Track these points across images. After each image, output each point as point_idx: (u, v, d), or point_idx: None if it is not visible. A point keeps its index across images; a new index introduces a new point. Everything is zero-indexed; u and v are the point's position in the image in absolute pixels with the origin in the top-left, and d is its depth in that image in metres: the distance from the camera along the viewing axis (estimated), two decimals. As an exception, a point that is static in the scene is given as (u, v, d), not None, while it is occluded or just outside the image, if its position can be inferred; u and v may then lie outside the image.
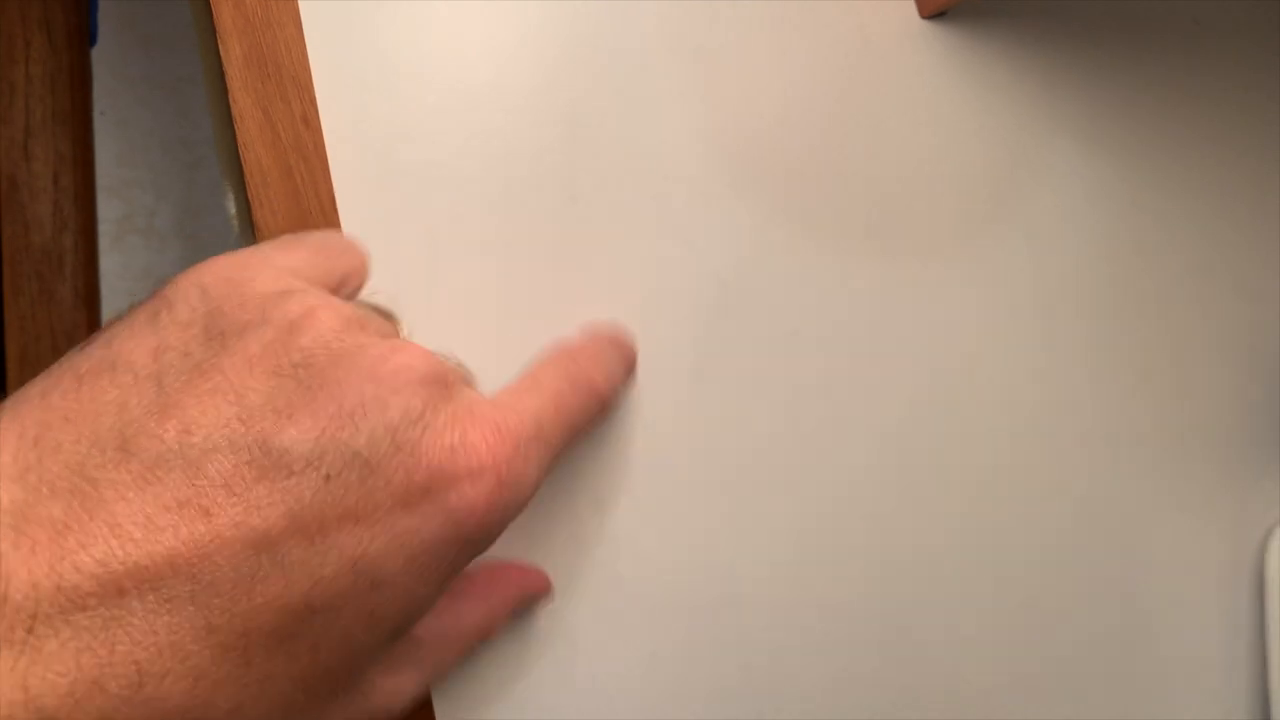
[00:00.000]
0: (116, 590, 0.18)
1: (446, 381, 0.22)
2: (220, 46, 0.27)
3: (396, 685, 0.23)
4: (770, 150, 0.35)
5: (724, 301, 0.34)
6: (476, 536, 0.22)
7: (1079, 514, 0.39)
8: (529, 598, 0.29)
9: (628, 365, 0.30)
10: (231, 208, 0.42)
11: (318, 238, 0.25)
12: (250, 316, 0.21)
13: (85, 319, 0.43)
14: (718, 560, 0.34)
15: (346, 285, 0.25)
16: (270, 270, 0.22)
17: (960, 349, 0.37)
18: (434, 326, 0.29)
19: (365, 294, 0.27)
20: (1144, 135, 0.41)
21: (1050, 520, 0.38)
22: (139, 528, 0.18)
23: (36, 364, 0.42)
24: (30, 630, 0.17)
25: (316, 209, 0.28)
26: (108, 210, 0.45)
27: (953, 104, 0.37)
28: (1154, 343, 0.41)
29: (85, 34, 0.45)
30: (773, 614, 0.34)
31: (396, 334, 0.24)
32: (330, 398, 0.20)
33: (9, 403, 0.20)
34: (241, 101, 0.27)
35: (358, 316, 0.22)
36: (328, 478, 0.20)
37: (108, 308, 0.43)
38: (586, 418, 0.26)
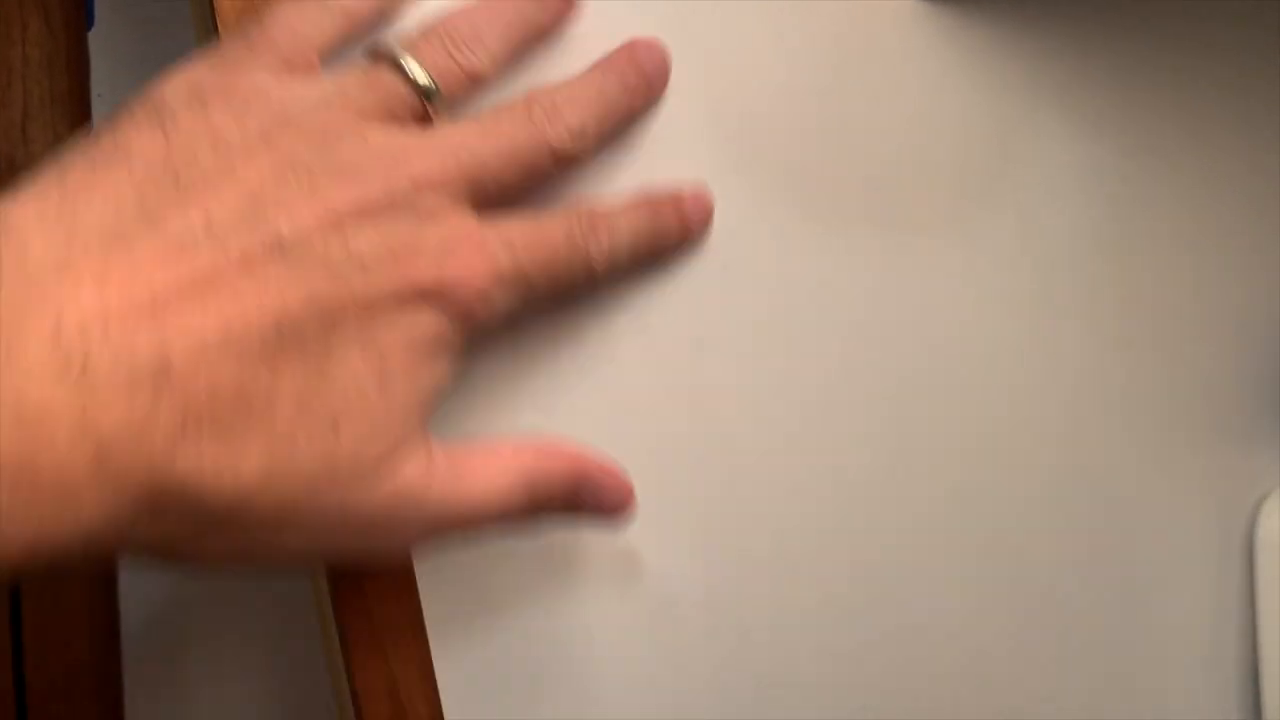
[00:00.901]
0: (160, 346, 0.19)
1: (437, 188, 0.24)
2: (219, 27, 0.27)
3: (410, 482, 0.24)
4: (764, 129, 0.35)
5: (721, 278, 0.34)
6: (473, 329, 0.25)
7: (1069, 485, 0.39)
8: (581, 489, 0.28)
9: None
10: None
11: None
12: (251, 135, 0.22)
13: (86, 301, 0.43)
14: (713, 532, 0.34)
15: (352, 30, 0.26)
16: (259, 70, 0.24)
17: (953, 323, 0.38)
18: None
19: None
20: (1136, 113, 0.41)
21: (1040, 491, 0.39)
22: (173, 293, 0.20)
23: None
24: (84, 368, 0.18)
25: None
26: (107, 193, 0.45)
27: (946, 83, 0.38)
28: (1144, 316, 0.41)
29: (82, 17, 0.45)
30: (763, 582, 0.35)
31: (412, 112, 0.25)
32: (335, 197, 0.22)
33: (23, 185, 0.21)
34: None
35: (356, 99, 0.24)
36: (336, 274, 0.21)
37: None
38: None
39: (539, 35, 0.29)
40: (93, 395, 0.18)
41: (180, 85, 0.23)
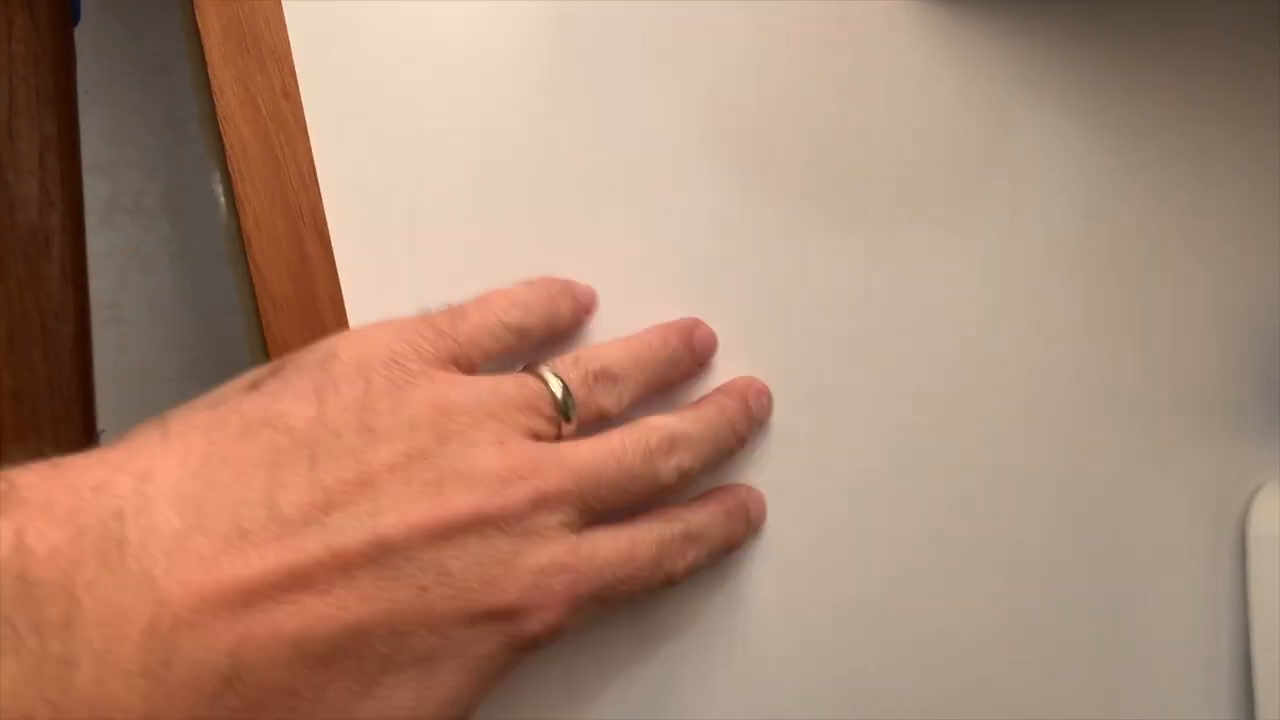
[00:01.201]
0: (239, 648, 0.20)
1: (551, 507, 0.24)
2: (198, 20, 0.27)
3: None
4: (753, 122, 0.35)
5: (709, 273, 0.34)
6: (527, 652, 0.25)
7: (1060, 479, 0.39)
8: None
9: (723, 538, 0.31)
10: (218, 186, 0.41)
11: (500, 301, 0.28)
12: (400, 421, 0.23)
13: (73, 298, 0.43)
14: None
15: (528, 338, 0.28)
16: (431, 358, 0.25)
17: (945, 321, 0.38)
18: (417, 299, 0.29)
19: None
20: (1127, 103, 0.41)
21: (1031, 486, 0.39)
22: (267, 585, 0.21)
23: (24, 345, 0.42)
24: (165, 664, 0.20)
25: (298, 182, 0.28)
26: (95, 189, 0.45)
27: (936, 74, 0.37)
28: (1137, 308, 0.41)
29: (68, 13, 0.44)
30: (755, 582, 0.35)
31: (549, 426, 0.26)
32: (455, 502, 0.23)
33: (178, 422, 0.22)
34: (221, 75, 0.27)
35: (505, 406, 0.25)
36: (423, 589, 0.22)
37: (96, 286, 0.44)
38: (641, 584, 0.28)
39: (672, 380, 0.31)
40: (164, 693, 0.20)
41: (355, 350, 0.24)
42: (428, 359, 0.25)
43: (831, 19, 0.35)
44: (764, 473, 0.35)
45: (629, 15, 0.32)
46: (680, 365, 0.30)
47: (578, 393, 0.27)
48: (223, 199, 0.46)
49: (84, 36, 0.45)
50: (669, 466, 0.28)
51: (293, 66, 0.28)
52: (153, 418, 0.22)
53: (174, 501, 0.21)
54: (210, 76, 0.27)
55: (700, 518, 0.30)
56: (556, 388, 0.26)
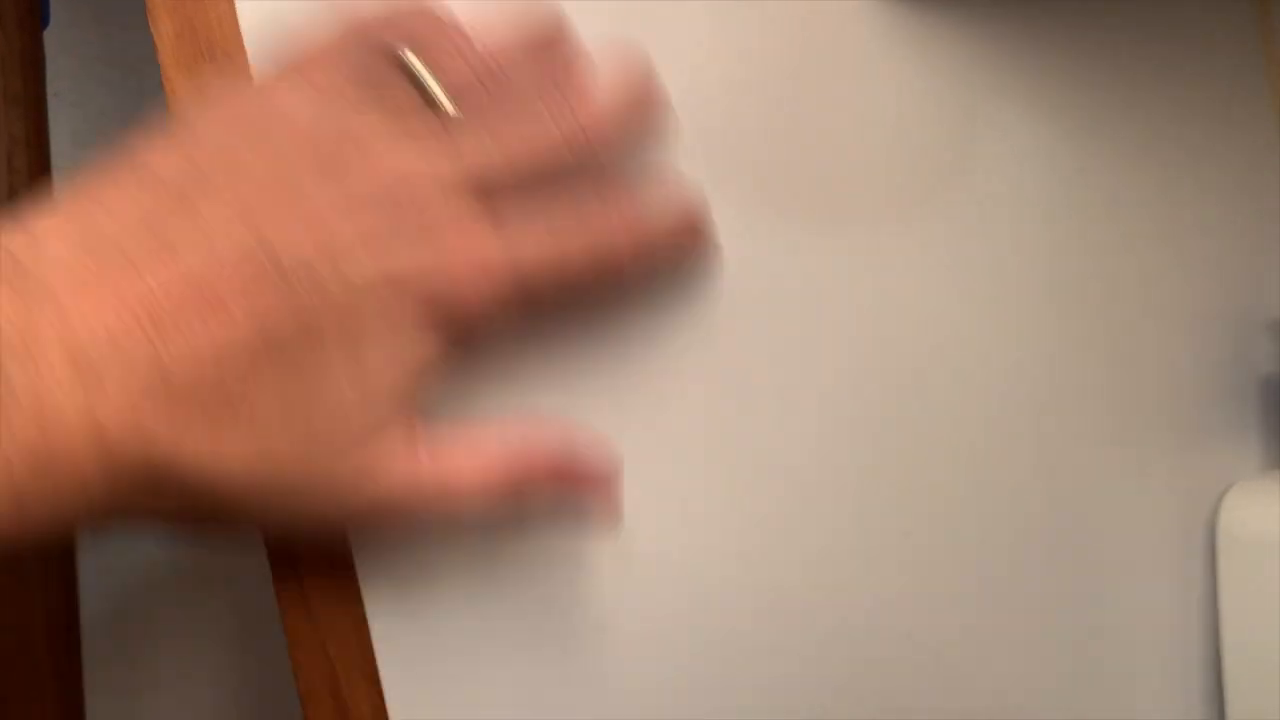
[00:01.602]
0: (158, 359, 0.22)
1: (452, 195, 0.25)
2: (151, 23, 0.27)
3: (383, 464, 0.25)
4: (717, 123, 0.35)
5: (679, 281, 0.34)
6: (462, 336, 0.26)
7: (1031, 479, 0.39)
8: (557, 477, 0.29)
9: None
10: None
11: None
12: (264, 144, 0.24)
13: (43, 301, 0.43)
14: (686, 526, 0.34)
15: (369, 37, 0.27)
16: (285, 90, 0.25)
17: (914, 322, 0.38)
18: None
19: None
20: (1091, 102, 0.41)
21: (1002, 485, 0.39)
22: (172, 307, 0.22)
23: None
24: (94, 376, 0.21)
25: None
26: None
27: (903, 75, 0.37)
28: (1106, 308, 0.41)
29: (37, 15, 0.44)
30: (731, 580, 0.35)
31: (413, 114, 0.26)
32: (331, 213, 0.24)
33: (63, 192, 0.23)
34: (174, 78, 0.27)
35: (369, 109, 0.25)
36: (320, 279, 0.23)
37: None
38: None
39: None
40: (100, 399, 0.21)
41: (211, 106, 0.25)
42: (280, 90, 0.26)
43: (797, 17, 0.35)
44: (724, 474, 0.35)
45: (593, 14, 0.32)
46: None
47: (456, 87, 0.26)
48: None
49: (54, 38, 0.45)
50: (570, 125, 0.27)
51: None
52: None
53: (64, 246, 0.22)
54: (164, 79, 0.27)
55: (631, 207, 0.29)
56: (433, 86, 0.26)
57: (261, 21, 0.29)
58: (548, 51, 0.29)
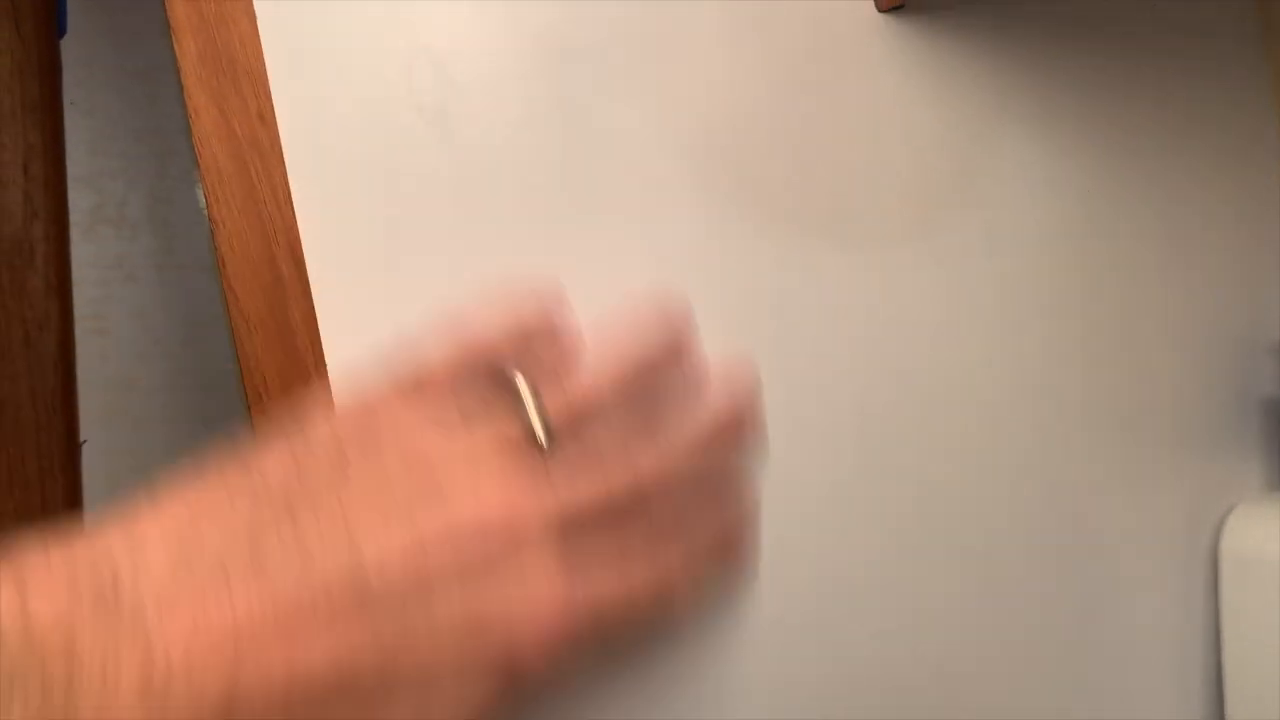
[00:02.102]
0: (230, 687, 0.22)
1: (534, 542, 0.25)
2: (174, 43, 0.27)
3: None
4: (731, 142, 0.35)
5: (688, 285, 0.34)
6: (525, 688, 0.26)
7: (1039, 495, 0.40)
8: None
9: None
10: (202, 199, 0.42)
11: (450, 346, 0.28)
12: (376, 468, 0.24)
13: (58, 309, 0.43)
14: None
15: (480, 361, 0.28)
16: (399, 403, 0.26)
17: (920, 338, 0.38)
18: (391, 322, 0.29)
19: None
20: (1096, 124, 0.41)
21: (1010, 497, 0.39)
22: (254, 629, 0.22)
23: (7, 354, 0.42)
24: (164, 695, 0.21)
25: (272, 204, 0.28)
26: (79, 200, 0.45)
27: (910, 94, 0.38)
28: (1109, 327, 0.41)
29: (54, 24, 0.45)
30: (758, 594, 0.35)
31: (529, 460, 0.26)
32: (429, 534, 0.24)
33: (166, 491, 0.24)
34: (196, 98, 0.28)
35: (477, 435, 0.26)
36: (408, 626, 0.23)
37: (79, 297, 0.44)
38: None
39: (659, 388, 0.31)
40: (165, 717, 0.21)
41: (327, 418, 0.26)
42: (394, 402, 0.26)
43: (811, 37, 0.36)
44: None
45: (610, 33, 0.32)
46: (668, 371, 0.31)
47: (558, 422, 0.27)
48: (207, 213, 0.47)
49: (69, 47, 0.45)
50: (657, 495, 0.28)
51: (269, 90, 0.28)
52: (144, 489, 0.24)
53: (163, 558, 0.22)
54: (186, 99, 0.27)
55: (695, 547, 0.30)
56: (537, 424, 0.26)
57: (284, 40, 0.29)
58: (660, 372, 0.30)
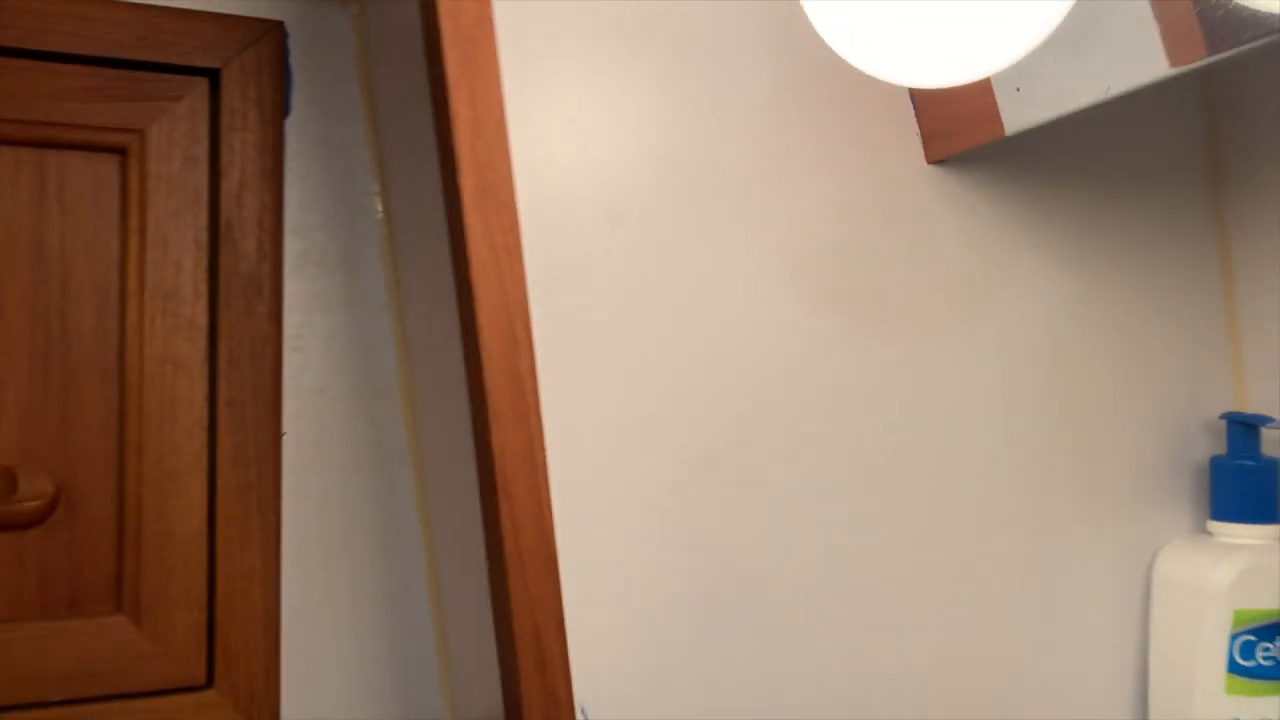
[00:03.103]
0: None
1: None
2: (458, 177, 0.40)
3: None
4: (811, 256, 0.48)
5: (771, 363, 0.48)
6: None
7: (1012, 532, 0.53)
8: None
9: None
10: (381, 245, 0.56)
11: None
12: None
13: (275, 331, 0.56)
14: (736, 550, 0.48)
15: None
16: None
17: (940, 404, 0.51)
18: (591, 359, 0.43)
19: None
20: (1089, 254, 0.54)
21: (1001, 531, 0.52)
22: None
23: (239, 365, 0.55)
24: None
25: (513, 286, 0.41)
26: (291, 246, 0.58)
27: (946, 227, 0.51)
28: (1083, 405, 0.55)
29: (282, 108, 0.57)
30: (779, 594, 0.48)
31: None
32: None
33: None
34: (471, 214, 0.41)
35: None
36: None
37: (287, 322, 0.57)
38: None
39: None
40: None
41: None
42: None
43: (875, 179, 0.49)
44: (790, 508, 0.48)
45: (727, 172, 0.46)
46: None
47: None
48: (383, 256, 0.59)
49: (291, 125, 0.58)
50: None
51: (516, 211, 0.41)
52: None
53: None
54: (464, 214, 0.40)
55: None
56: None
57: (526, 180, 0.42)
58: None
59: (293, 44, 0.58)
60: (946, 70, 0.39)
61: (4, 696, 0.52)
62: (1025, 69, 0.41)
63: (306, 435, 0.58)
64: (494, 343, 0.40)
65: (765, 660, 0.48)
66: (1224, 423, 0.55)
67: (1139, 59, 0.41)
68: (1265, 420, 0.54)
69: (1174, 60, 0.41)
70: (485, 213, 0.41)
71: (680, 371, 0.47)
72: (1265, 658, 0.52)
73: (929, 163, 0.51)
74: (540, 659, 0.43)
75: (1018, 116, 0.46)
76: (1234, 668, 0.51)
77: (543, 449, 0.42)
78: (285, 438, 0.57)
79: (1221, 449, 0.55)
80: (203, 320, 0.55)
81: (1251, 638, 0.52)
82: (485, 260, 0.40)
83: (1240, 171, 0.56)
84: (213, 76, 0.56)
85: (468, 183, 0.40)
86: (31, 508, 0.53)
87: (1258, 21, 0.37)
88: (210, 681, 0.55)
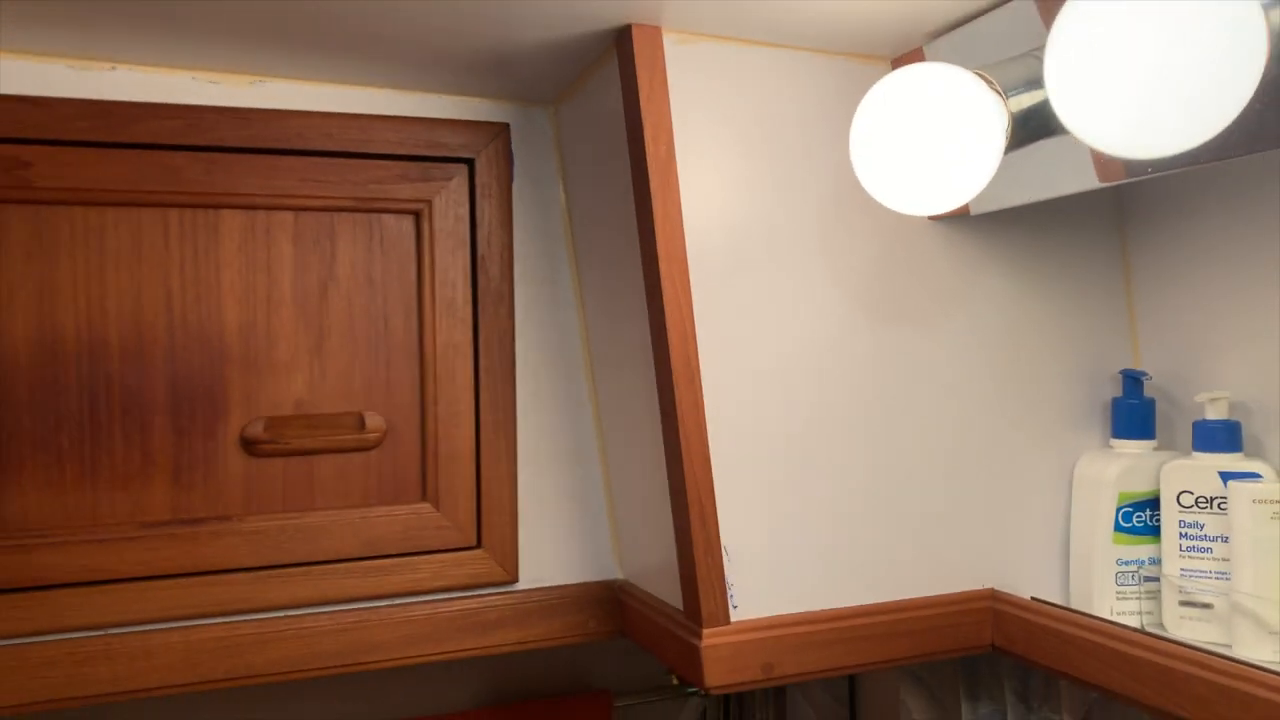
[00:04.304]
0: None
1: None
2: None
3: None
4: (856, 280, 0.80)
5: (828, 351, 0.79)
6: None
7: (980, 444, 0.84)
8: None
9: None
10: (569, 267, 0.89)
11: None
12: None
13: (510, 325, 0.89)
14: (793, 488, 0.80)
15: None
16: None
17: (933, 369, 0.83)
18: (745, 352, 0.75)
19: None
20: (1029, 272, 0.85)
21: (967, 449, 0.84)
22: None
23: (491, 346, 0.87)
24: None
25: (684, 297, 0.72)
26: (517, 269, 0.90)
27: (943, 258, 0.82)
28: (1029, 369, 0.87)
29: (510, 179, 0.89)
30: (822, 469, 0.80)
31: None
32: None
33: None
34: (661, 249, 0.72)
35: None
36: None
37: (517, 318, 0.89)
38: None
39: None
40: None
41: None
42: None
43: (895, 233, 0.80)
44: (847, 430, 0.80)
45: (789, 237, 0.77)
46: None
47: None
48: (570, 273, 0.91)
49: (514, 190, 0.89)
50: None
51: (685, 249, 0.73)
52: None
53: None
54: (656, 248, 0.71)
55: None
56: None
57: (689, 221, 0.74)
58: None
59: (514, 136, 0.90)
60: (935, 204, 0.67)
61: (360, 550, 0.85)
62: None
63: (528, 387, 0.91)
64: (674, 329, 0.72)
65: (834, 516, 0.80)
66: (1120, 376, 0.86)
67: (1071, 174, 0.70)
68: (1144, 374, 0.84)
69: (1102, 177, 0.69)
70: (668, 249, 0.71)
71: (781, 348, 0.78)
72: (1139, 521, 0.83)
73: (931, 220, 0.82)
74: (701, 516, 0.75)
75: (977, 205, 0.77)
76: (1118, 527, 0.83)
77: (701, 396, 0.74)
78: (519, 392, 0.90)
79: (1119, 393, 0.86)
80: (469, 319, 0.88)
81: (1130, 509, 0.83)
82: (668, 276, 0.71)
83: (1140, 220, 0.86)
84: (470, 163, 0.88)
85: (660, 234, 0.71)
86: (373, 437, 0.85)
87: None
88: (479, 543, 0.88)
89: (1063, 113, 0.50)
